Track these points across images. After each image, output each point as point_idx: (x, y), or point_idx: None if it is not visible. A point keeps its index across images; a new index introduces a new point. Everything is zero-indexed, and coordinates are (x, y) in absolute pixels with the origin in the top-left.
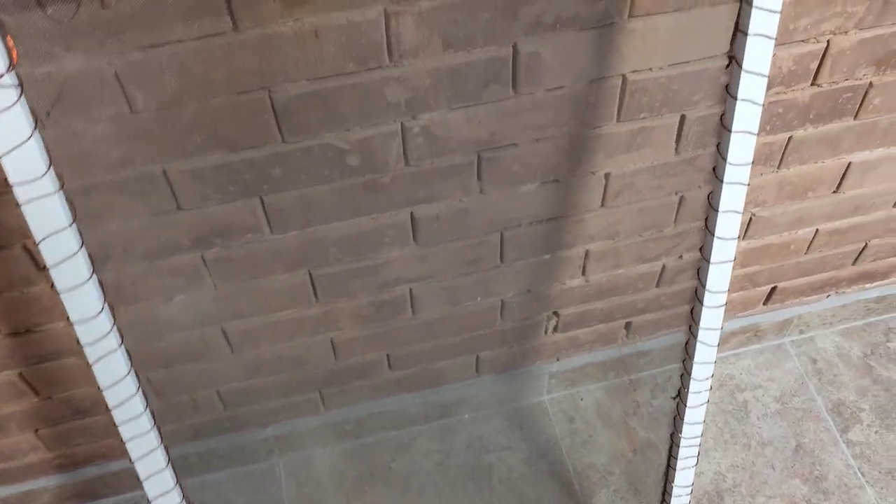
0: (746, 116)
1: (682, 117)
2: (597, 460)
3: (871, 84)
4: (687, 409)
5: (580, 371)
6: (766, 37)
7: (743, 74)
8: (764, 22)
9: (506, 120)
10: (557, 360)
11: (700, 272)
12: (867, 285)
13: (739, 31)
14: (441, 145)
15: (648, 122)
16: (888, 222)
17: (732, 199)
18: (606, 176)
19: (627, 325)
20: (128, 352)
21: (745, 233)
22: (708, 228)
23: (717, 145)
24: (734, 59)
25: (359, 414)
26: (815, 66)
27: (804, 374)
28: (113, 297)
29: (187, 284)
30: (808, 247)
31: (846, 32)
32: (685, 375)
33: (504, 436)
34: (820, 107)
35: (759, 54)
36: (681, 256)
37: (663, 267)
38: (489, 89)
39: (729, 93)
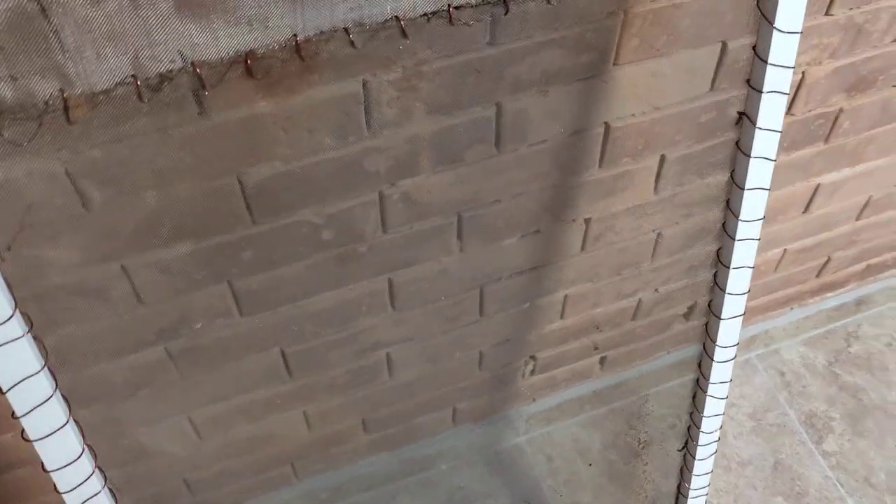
0: (759, 173)
1: (662, 158)
2: (581, 498)
3: (841, 109)
4: (696, 462)
5: (556, 409)
6: (780, 93)
7: (757, 132)
8: (778, 79)
9: (489, 178)
10: (534, 401)
11: (709, 327)
12: (828, 295)
13: (752, 87)
14: (422, 209)
15: (630, 166)
16: (850, 235)
17: (744, 256)
18: (587, 221)
19: (602, 360)
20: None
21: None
22: (718, 285)
23: (727, 202)
24: (746, 117)
25: (334, 481)
26: (791, 97)
27: (774, 388)
28: (71, 398)
29: (152, 377)
30: (776, 266)
31: (820, 63)
32: (693, 428)
33: (484, 483)
34: (794, 135)
35: (773, 111)
36: (656, 290)
37: (639, 301)
38: (473, 150)
39: (741, 149)
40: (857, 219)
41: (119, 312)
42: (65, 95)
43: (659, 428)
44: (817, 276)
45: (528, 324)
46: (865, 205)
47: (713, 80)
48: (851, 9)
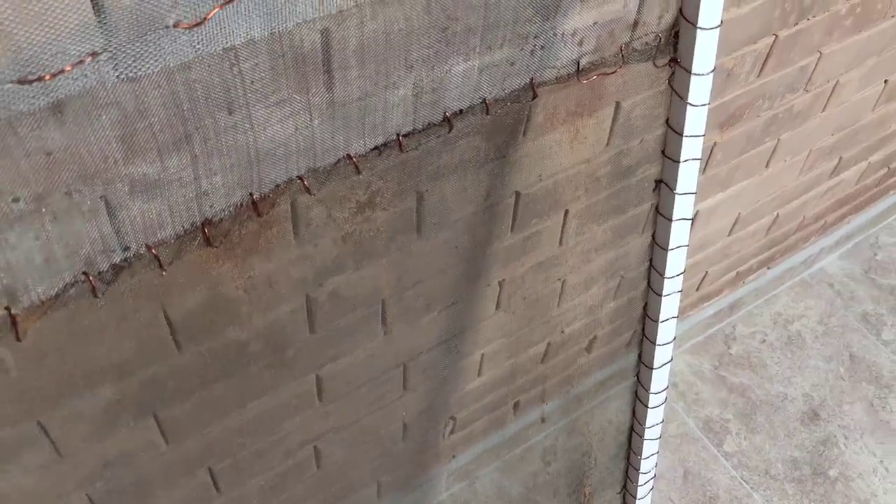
0: (680, 233)
1: (566, 213)
2: None
3: (715, 143)
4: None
5: (475, 461)
6: (695, 160)
7: (676, 198)
8: (692, 147)
9: (411, 263)
10: (454, 457)
11: (641, 376)
12: (705, 305)
13: (668, 158)
14: (348, 304)
15: (538, 227)
16: (723, 249)
17: (670, 308)
18: (500, 283)
19: (516, 405)
20: None
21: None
22: (647, 337)
23: (651, 261)
24: (665, 184)
25: None
26: None
27: (671, 400)
28: None
29: None
30: None
31: None
32: (632, 470)
33: None
34: None
35: (689, 177)
36: (562, 331)
37: (548, 345)
38: (396, 241)
39: (662, 215)
40: (729, 234)
41: (36, 468)
42: (11, 312)
43: (572, 459)
44: (696, 290)
45: (449, 388)
46: (735, 221)
47: (608, 138)
48: (722, 57)
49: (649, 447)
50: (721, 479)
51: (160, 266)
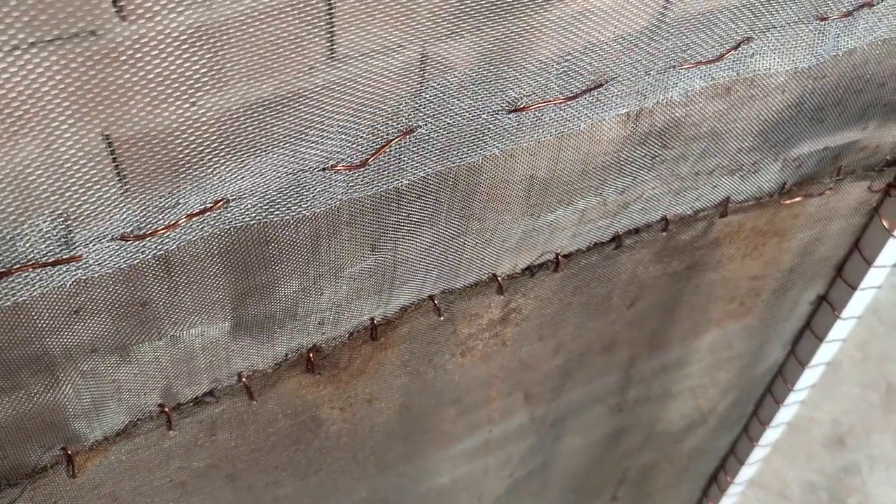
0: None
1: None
2: None
3: None
4: None
5: None
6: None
7: (837, 322)
8: (875, 277)
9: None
10: None
11: None
12: None
13: (843, 281)
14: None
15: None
16: None
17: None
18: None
19: None
20: None
21: None
22: None
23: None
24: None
25: None
26: None
27: None
28: None
29: None
30: None
31: None
32: None
33: None
34: None
35: (860, 304)
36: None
37: None
38: (519, 353)
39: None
40: None
41: None
42: (69, 452)
43: None
44: None
45: None
46: None
47: (787, 256)
48: None
49: None
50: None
51: (250, 396)
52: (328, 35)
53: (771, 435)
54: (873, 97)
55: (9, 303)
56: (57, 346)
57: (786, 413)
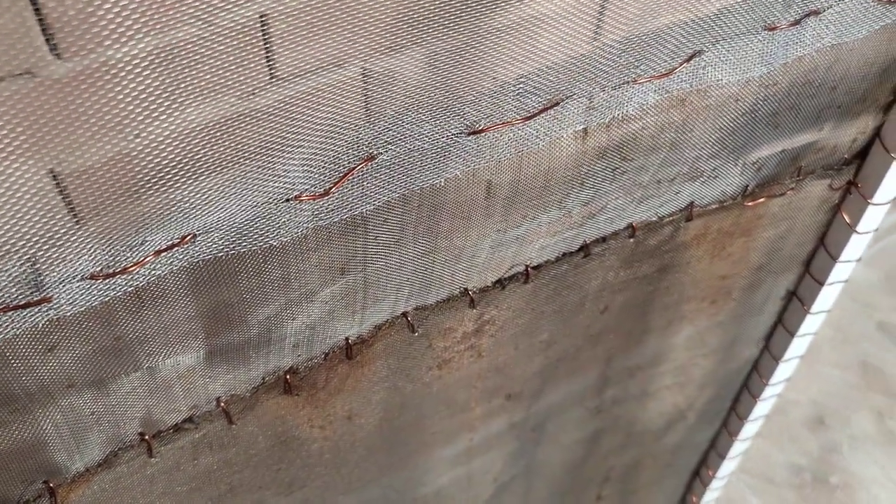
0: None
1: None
2: None
3: None
4: None
5: None
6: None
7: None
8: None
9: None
10: None
11: None
12: None
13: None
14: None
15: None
16: None
17: None
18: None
19: None
20: None
21: None
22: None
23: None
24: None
25: None
26: None
27: None
28: None
29: None
30: None
31: None
32: None
33: None
34: None
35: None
36: None
37: None
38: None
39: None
40: None
41: None
42: (51, 485)
43: None
44: None
45: None
46: None
47: (754, 256)
48: None
49: None
50: None
51: (229, 420)
52: (266, 55)
53: (750, 429)
54: (826, 100)
55: None
56: (33, 384)
57: (763, 407)
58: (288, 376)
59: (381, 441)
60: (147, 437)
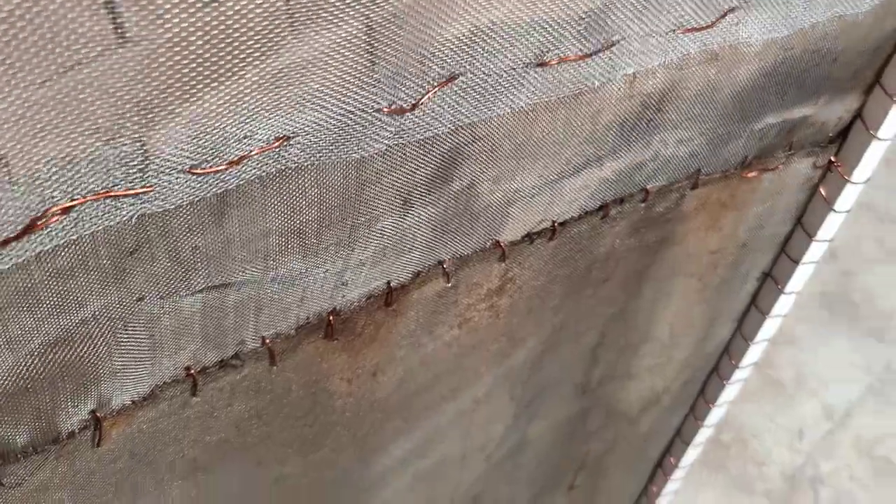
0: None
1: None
2: None
3: None
4: None
5: None
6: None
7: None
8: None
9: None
10: None
11: None
12: None
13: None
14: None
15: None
16: None
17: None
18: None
19: None
20: None
21: None
22: None
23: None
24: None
25: None
26: None
27: None
28: None
29: None
30: None
31: None
32: None
33: None
34: None
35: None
36: None
37: None
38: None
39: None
40: None
41: None
42: (98, 416)
43: None
44: None
45: None
46: None
47: (744, 230)
48: None
49: None
50: None
51: (272, 360)
52: None
53: (716, 414)
54: (826, 72)
55: (74, 236)
56: (109, 290)
57: (731, 390)
58: (331, 318)
59: (395, 404)
60: (193, 371)
